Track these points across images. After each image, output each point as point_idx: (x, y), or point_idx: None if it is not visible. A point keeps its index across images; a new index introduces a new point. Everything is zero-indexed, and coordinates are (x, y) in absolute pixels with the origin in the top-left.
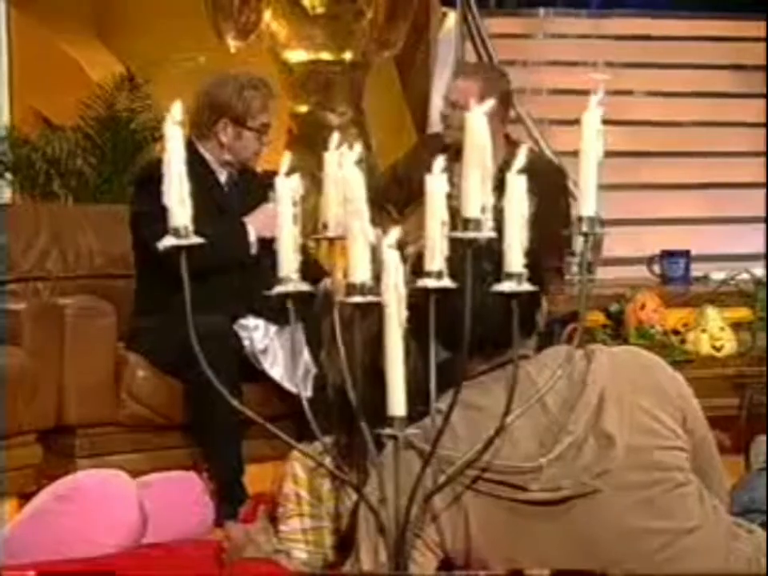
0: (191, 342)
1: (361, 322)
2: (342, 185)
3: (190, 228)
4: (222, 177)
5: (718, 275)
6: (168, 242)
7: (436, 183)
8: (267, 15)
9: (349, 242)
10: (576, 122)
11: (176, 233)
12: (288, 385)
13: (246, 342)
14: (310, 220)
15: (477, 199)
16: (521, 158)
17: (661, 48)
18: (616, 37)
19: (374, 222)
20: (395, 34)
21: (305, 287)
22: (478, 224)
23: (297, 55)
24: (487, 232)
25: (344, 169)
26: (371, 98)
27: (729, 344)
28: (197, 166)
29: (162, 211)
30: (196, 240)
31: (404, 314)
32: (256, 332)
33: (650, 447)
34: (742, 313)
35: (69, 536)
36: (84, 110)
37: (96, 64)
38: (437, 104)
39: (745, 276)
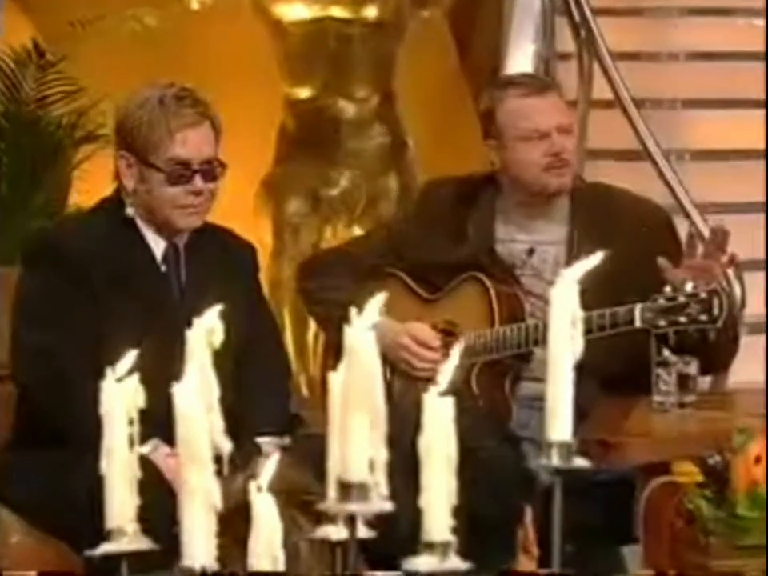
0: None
1: None
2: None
3: None
4: (158, 250)
5: None
6: None
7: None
8: None
9: (181, 503)
10: (727, 103)
11: None
12: None
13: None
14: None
15: (362, 454)
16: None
17: None
18: None
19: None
20: None
21: (144, 544)
22: (363, 490)
23: (294, 11)
24: (378, 502)
25: (176, 401)
26: (409, 75)
27: None
28: (120, 238)
29: (49, 315)
30: None
31: None
32: None
33: None
34: None
35: None
36: None
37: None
38: None
39: None
